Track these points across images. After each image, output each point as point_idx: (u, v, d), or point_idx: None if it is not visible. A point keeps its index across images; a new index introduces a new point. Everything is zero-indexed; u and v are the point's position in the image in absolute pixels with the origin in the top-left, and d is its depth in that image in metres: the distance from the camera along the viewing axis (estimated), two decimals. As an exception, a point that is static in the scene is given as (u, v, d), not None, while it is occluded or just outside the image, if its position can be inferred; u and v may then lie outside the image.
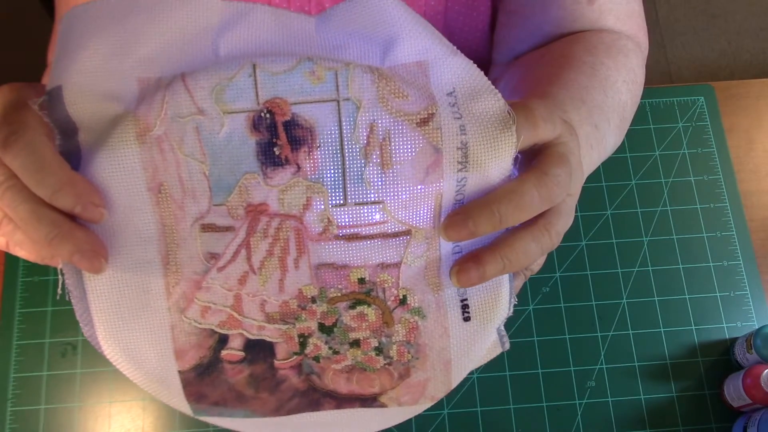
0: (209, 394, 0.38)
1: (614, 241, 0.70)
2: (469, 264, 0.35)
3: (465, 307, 0.38)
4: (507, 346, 0.41)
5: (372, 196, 0.33)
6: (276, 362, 0.38)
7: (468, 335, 0.39)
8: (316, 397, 0.39)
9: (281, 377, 0.39)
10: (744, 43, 1.71)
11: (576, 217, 0.71)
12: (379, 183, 0.33)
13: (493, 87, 0.34)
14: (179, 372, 0.37)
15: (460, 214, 0.34)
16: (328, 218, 0.34)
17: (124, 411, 0.64)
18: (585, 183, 0.72)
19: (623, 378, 0.66)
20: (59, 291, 0.36)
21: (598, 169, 0.73)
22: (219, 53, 0.34)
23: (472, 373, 0.65)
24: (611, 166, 0.73)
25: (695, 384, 0.66)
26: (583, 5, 0.55)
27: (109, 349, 0.37)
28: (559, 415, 0.64)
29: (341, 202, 0.34)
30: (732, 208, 0.72)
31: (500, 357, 0.66)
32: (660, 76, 1.67)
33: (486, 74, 0.35)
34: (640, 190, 0.72)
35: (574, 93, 0.46)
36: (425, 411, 0.64)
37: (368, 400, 0.40)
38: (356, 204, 0.34)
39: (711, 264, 0.70)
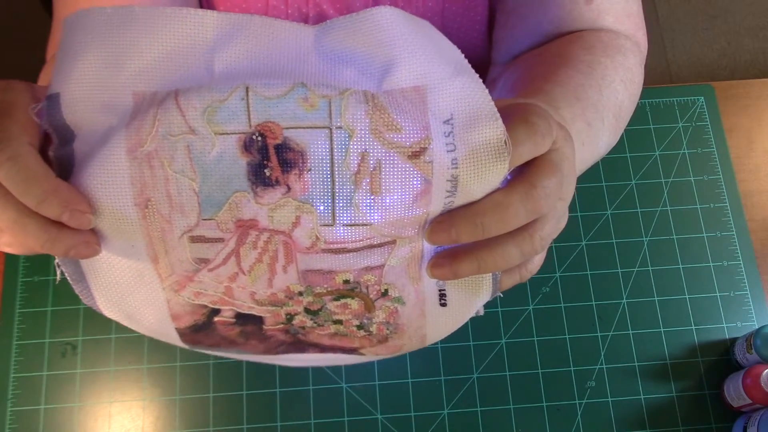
0: (204, 341, 0.42)
1: (614, 241, 0.70)
2: (444, 260, 0.36)
3: (442, 296, 0.39)
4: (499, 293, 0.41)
5: (360, 218, 0.34)
6: (264, 327, 0.41)
7: (444, 317, 0.41)
8: (302, 346, 0.42)
9: (270, 335, 0.41)
10: (744, 43, 1.71)
11: (576, 217, 0.71)
12: (368, 207, 0.34)
13: (495, 110, 0.34)
14: (176, 329, 0.40)
15: (445, 222, 0.35)
16: (317, 235, 0.34)
17: (124, 411, 0.64)
18: (585, 183, 0.72)
19: (623, 378, 0.66)
20: (58, 277, 0.37)
21: (598, 169, 0.73)
22: (214, 69, 0.34)
23: (472, 372, 0.65)
24: (611, 166, 0.73)
25: (695, 384, 0.66)
26: (580, 5, 0.55)
27: (110, 313, 0.39)
28: (559, 415, 0.64)
29: (329, 222, 0.34)
30: (732, 208, 0.72)
31: (500, 357, 0.66)
32: (660, 76, 1.67)
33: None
34: (640, 190, 0.72)
35: (569, 90, 0.46)
36: (425, 411, 0.64)
37: (348, 351, 0.43)
38: (344, 225, 0.34)
39: (711, 264, 0.70)
